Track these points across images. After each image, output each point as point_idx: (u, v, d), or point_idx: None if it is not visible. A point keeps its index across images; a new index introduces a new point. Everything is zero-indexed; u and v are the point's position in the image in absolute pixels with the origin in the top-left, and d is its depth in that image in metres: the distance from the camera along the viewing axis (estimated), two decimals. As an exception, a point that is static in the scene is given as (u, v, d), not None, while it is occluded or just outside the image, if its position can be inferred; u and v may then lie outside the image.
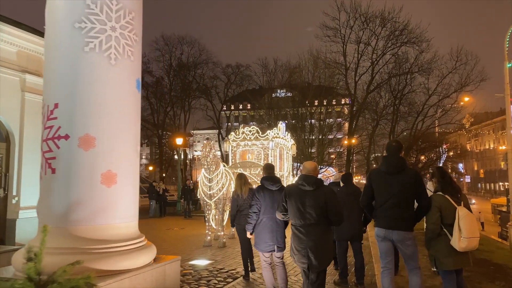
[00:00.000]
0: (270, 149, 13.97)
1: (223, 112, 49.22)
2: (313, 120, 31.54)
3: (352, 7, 33.60)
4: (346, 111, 37.98)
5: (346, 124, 36.64)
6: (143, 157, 68.61)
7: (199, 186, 10.54)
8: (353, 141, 45.99)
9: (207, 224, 10.62)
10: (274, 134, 14.30)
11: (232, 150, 14.62)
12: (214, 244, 10.30)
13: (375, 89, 35.37)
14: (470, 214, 4.09)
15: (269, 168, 5.73)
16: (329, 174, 51.77)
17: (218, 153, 10.29)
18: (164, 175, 45.75)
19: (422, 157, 37.71)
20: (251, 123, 39.38)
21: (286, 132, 15.82)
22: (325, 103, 34.77)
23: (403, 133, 39.77)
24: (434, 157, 37.34)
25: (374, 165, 44.12)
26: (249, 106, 51.44)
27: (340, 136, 37.98)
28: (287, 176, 15.60)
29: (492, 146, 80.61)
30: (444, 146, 41.90)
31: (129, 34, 4.84)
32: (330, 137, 33.84)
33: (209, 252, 9.41)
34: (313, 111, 33.26)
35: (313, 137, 30.74)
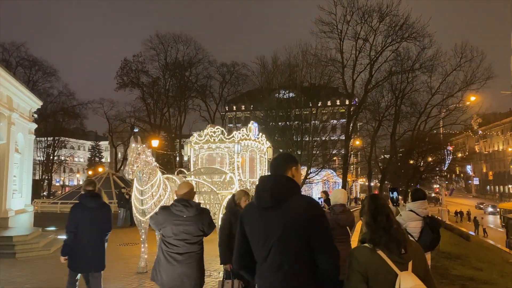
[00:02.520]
0: (236, 152, 12.09)
1: (218, 113, 47.46)
2: (297, 122, 29.32)
3: (349, 0, 31.60)
4: (342, 110, 35.86)
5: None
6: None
7: (132, 200, 8.70)
8: (357, 142, 44.19)
9: (142, 245, 8.75)
10: (243, 135, 12.41)
11: (194, 153, 12.78)
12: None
13: (374, 88, 33.33)
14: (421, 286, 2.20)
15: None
16: (328, 177, 50.05)
17: (150, 159, 8.34)
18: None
19: (430, 159, 35.63)
20: (254, 124, 37.34)
21: (260, 134, 13.93)
22: (320, 104, 32.71)
23: (406, 134, 37.74)
24: (437, 160, 35.17)
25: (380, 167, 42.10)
26: (243, 108, 49.58)
27: (334, 138, 35.91)
28: (261, 184, 13.71)
29: (501, 147, 77.90)
30: (449, 148, 39.75)
31: None
32: (325, 138, 31.77)
33: (136, 283, 7.57)
34: (309, 111, 31.19)
35: (307, 139, 28.64)
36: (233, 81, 46.07)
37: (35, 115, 15.49)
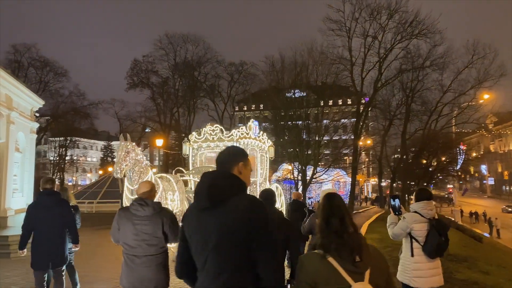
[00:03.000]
0: (235, 151, 11.85)
1: (227, 112, 47.33)
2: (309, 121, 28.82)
3: (358, -3, 31.03)
4: (352, 109, 35.31)
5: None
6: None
7: (123, 199, 8.51)
8: (368, 141, 43.56)
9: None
10: (242, 134, 12.16)
11: (193, 152, 12.57)
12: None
13: (384, 86, 32.74)
14: None
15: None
16: (340, 177, 49.44)
17: (140, 157, 8.11)
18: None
19: (443, 158, 34.88)
20: (264, 124, 36.79)
21: (261, 132, 13.65)
22: (330, 102, 32.29)
23: (417, 132, 37.08)
24: (449, 159, 34.43)
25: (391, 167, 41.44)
26: (253, 107, 49.31)
27: (345, 137, 35.34)
28: (262, 183, 13.44)
29: (517, 147, 76.09)
30: (462, 147, 38.90)
31: None
32: (334, 138, 31.31)
33: None
34: (318, 110, 30.66)
35: (316, 138, 28.17)
36: (241, 80, 45.88)
37: (37, 114, 15.48)
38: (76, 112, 49.36)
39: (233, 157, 2.25)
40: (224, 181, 2.12)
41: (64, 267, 5.47)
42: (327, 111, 32.09)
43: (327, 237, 2.01)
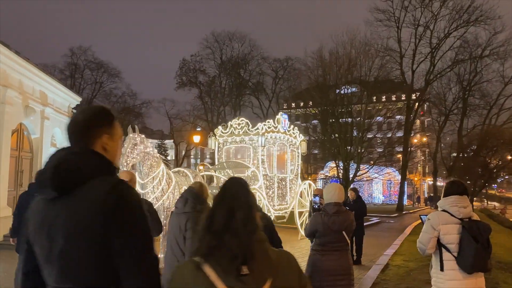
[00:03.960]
0: (260, 145, 11.28)
1: (271, 109, 46.86)
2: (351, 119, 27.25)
3: (407, -16, 29.24)
4: (399, 105, 33.32)
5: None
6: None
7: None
8: (424, 139, 41.19)
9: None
10: (269, 127, 11.59)
11: (219, 147, 12.19)
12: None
13: (437, 78, 30.63)
14: None
15: None
16: (392, 176, 47.23)
17: (150, 149, 7.77)
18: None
19: (509, 157, 32.10)
20: (313, 121, 35.61)
21: (292, 126, 12.98)
22: (384, 98, 30.73)
23: (475, 128, 34.44)
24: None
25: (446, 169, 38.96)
26: (302, 104, 48.38)
27: (399, 135, 33.42)
28: (292, 180, 12.79)
29: None
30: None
31: None
32: (380, 135, 29.75)
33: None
34: (366, 106, 29.07)
35: (360, 134, 26.79)
36: (286, 76, 45.16)
37: (75, 111, 15.87)
38: (128, 112, 51.21)
39: (92, 125, 1.57)
40: (78, 159, 1.48)
41: None
42: (380, 107, 30.56)
43: (204, 238, 1.43)
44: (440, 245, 3.48)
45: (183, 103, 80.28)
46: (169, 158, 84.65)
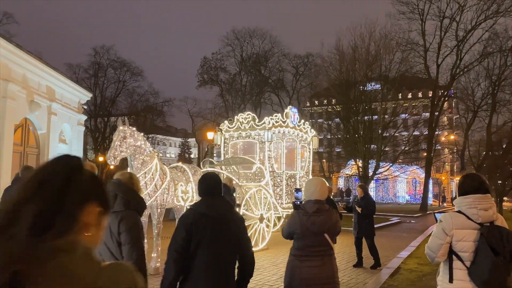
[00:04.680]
0: (267, 140, 10.75)
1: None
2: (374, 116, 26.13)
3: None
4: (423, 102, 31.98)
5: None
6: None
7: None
8: (452, 137, 39.64)
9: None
10: (276, 121, 11.05)
11: (225, 142, 11.75)
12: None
13: (464, 73, 29.20)
14: None
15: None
16: (416, 175, 45.70)
17: (142, 143, 7.29)
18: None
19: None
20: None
21: (302, 121, 12.39)
22: (409, 95, 29.62)
23: (505, 125, 32.72)
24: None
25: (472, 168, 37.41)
26: (325, 102, 47.41)
27: (425, 133, 32.03)
28: (302, 177, 12.21)
29: None
30: None
31: None
32: (403, 133, 28.67)
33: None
34: (381, 104, 27.87)
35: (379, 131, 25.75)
36: (307, 72, 44.37)
37: (85, 107, 15.77)
38: (149, 110, 51.56)
39: None
40: None
41: None
42: (406, 104, 29.40)
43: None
44: (451, 252, 2.86)
45: (205, 101, 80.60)
46: (192, 156, 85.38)
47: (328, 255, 3.47)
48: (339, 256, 9.53)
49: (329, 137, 40.24)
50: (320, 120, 46.62)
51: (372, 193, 36.14)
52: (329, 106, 36.26)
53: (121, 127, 7.05)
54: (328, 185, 4.17)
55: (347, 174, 38.07)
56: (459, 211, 2.91)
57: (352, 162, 31.51)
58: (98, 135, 45.62)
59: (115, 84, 49.45)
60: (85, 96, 15.44)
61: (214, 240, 2.80)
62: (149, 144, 7.60)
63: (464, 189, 2.96)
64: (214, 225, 2.83)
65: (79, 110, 15.09)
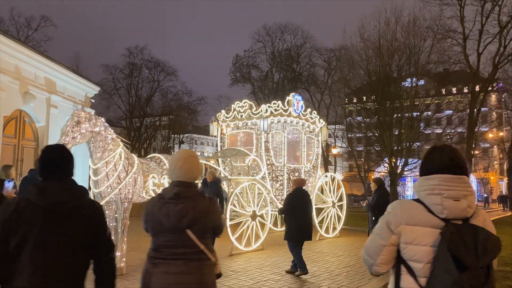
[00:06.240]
0: (263, 130, 9.78)
1: (323, 103, 44.67)
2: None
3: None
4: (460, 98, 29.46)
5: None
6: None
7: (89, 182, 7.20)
8: (501, 133, 36.74)
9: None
10: (276, 110, 10.06)
11: (222, 133, 10.90)
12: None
13: (508, 61, 26.67)
14: None
15: None
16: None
17: (102, 129, 6.49)
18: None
19: None
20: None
21: (309, 110, 11.30)
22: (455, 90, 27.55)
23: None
24: None
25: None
26: (364, 99, 45.45)
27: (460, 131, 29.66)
28: (309, 171, 11.12)
29: None
30: None
31: None
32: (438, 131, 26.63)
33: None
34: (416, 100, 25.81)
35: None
36: (340, 66, 42.72)
37: (93, 101, 15.46)
38: (182, 108, 51.77)
39: None
40: None
41: None
42: (451, 99, 27.34)
43: None
44: (399, 261, 1.82)
45: (238, 99, 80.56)
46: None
47: (197, 260, 2.39)
48: (349, 257, 8.43)
49: (360, 135, 38.52)
50: (359, 118, 44.44)
51: (400, 190, 34.09)
52: (364, 104, 34.45)
53: (75, 111, 6.38)
54: (201, 161, 3.09)
55: (380, 172, 36.26)
56: (417, 200, 1.85)
57: (386, 159, 29.72)
58: (134, 134, 46.36)
59: (150, 84, 50.01)
60: (93, 89, 15.14)
61: (45, 240, 1.96)
62: (111, 130, 6.87)
63: (427, 167, 1.90)
64: (46, 217, 1.98)
65: (86, 104, 14.78)
